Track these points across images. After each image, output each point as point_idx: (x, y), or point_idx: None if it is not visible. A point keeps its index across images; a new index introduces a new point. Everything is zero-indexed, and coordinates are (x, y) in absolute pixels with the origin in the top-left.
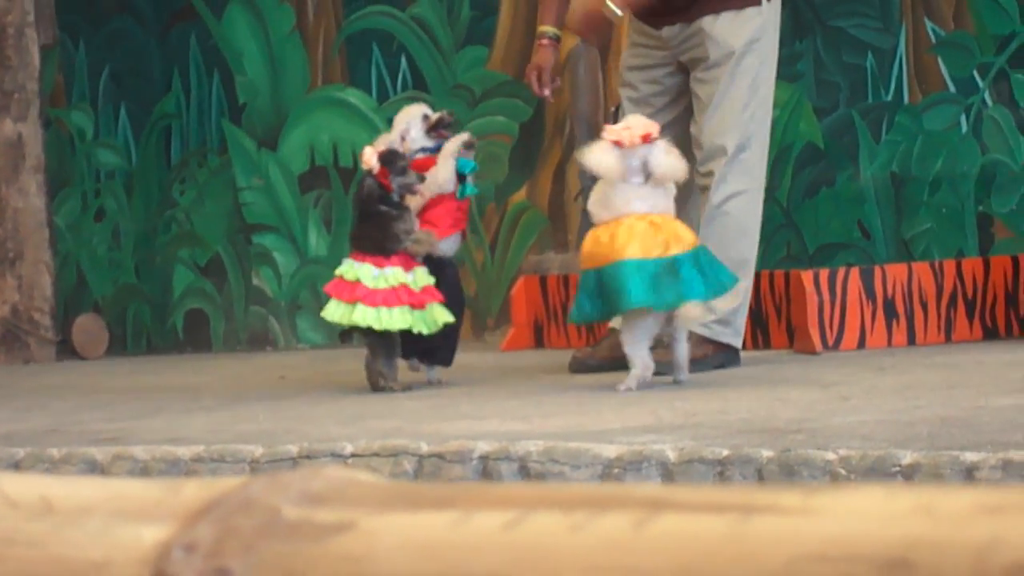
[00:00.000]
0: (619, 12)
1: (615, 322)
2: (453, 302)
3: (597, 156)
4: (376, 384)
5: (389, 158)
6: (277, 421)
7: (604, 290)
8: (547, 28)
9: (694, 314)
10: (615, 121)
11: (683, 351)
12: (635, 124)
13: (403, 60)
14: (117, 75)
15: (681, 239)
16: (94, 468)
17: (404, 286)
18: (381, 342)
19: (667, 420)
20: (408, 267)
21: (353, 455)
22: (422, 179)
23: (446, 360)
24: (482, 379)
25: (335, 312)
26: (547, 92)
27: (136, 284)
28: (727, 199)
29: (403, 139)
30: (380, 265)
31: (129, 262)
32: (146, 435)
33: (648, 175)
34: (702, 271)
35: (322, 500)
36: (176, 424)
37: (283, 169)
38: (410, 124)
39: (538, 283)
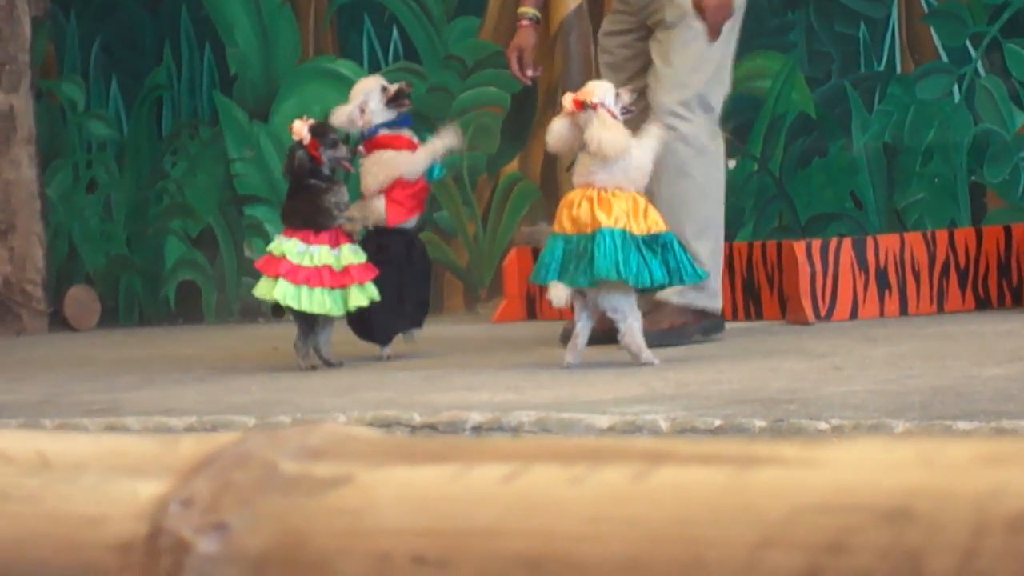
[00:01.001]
0: None
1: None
2: (423, 272)
3: (552, 125)
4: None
5: (320, 130)
6: (269, 392)
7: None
8: (527, 9)
9: (557, 294)
10: None
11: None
12: (585, 90)
13: (395, 31)
14: (108, 46)
15: (591, 224)
16: None
17: (328, 267)
18: (300, 318)
19: (659, 391)
20: (336, 243)
21: (308, 425)
22: (353, 153)
23: (379, 336)
24: (474, 350)
25: (261, 288)
26: (529, 74)
27: (128, 255)
28: (685, 161)
29: (362, 111)
30: (308, 241)
31: (121, 234)
32: (139, 406)
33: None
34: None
35: (320, 454)
36: (169, 395)
37: (275, 140)
38: (368, 96)
39: (530, 254)
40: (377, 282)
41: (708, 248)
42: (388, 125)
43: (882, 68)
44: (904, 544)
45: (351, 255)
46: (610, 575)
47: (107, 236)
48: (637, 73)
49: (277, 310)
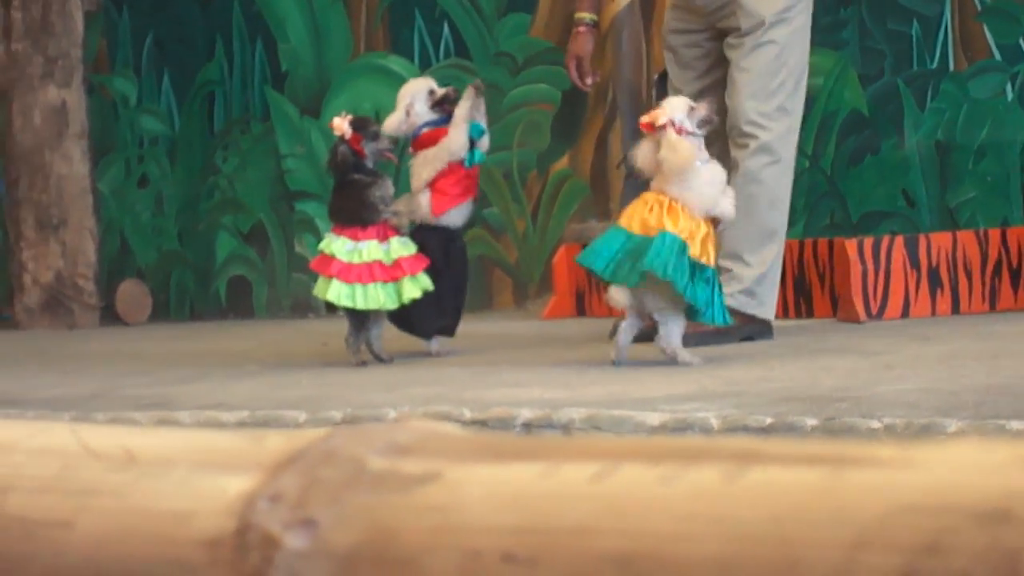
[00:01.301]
0: None
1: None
2: (460, 276)
3: (679, 151)
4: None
5: (361, 123)
6: (320, 387)
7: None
8: (584, 14)
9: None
10: (659, 88)
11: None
12: (654, 112)
13: (445, 27)
14: (160, 41)
15: (656, 228)
16: None
17: (378, 262)
18: (351, 314)
19: (710, 388)
20: (384, 237)
21: (396, 422)
22: (395, 144)
23: (421, 330)
24: (524, 347)
25: (318, 287)
26: (588, 82)
27: (179, 250)
28: (760, 168)
29: (407, 114)
30: (356, 237)
31: (172, 228)
32: (190, 400)
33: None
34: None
35: (407, 451)
36: (220, 390)
37: (325, 136)
38: (415, 98)
39: (579, 251)
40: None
41: (771, 255)
42: (431, 124)
43: (935, 66)
44: (1002, 545)
45: (401, 247)
46: (702, 575)
47: (159, 231)
48: (706, 71)
49: (332, 305)
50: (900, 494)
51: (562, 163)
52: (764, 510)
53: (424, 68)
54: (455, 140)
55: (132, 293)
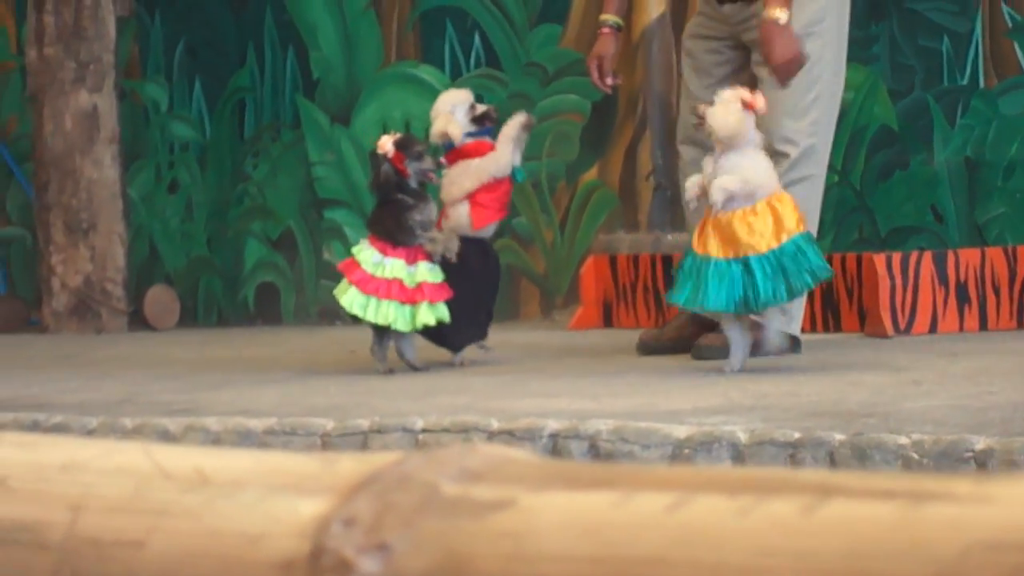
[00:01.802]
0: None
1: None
2: (494, 285)
3: (730, 115)
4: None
5: (405, 143)
6: (348, 395)
7: (784, 269)
8: (609, 16)
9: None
10: None
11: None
12: (732, 92)
13: (476, 37)
14: (192, 48)
15: (792, 218)
16: (166, 438)
17: (399, 281)
18: (374, 325)
19: (737, 401)
20: (412, 260)
21: (424, 430)
22: (440, 165)
23: (454, 344)
24: (551, 357)
25: (339, 288)
26: (608, 82)
27: (208, 256)
28: (791, 184)
29: (448, 123)
30: (384, 252)
31: (201, 234)
32: (218, 407)
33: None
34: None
35: (480, 477)
36: (247, 396)
37: (355, 145)
38: (456, 108)
39: (608, 263)
40: (456, 295)
41: None
42: (472, 135)
43: (965, 82)
44: None
45: (427, 273)
46: None
47: (188, 237)
48: (723, 79)
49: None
50: (979, 530)
51: (591, 174)
52: (841, 544)
53: (455, 78)
54: (503, 156)
55: (160, 298)
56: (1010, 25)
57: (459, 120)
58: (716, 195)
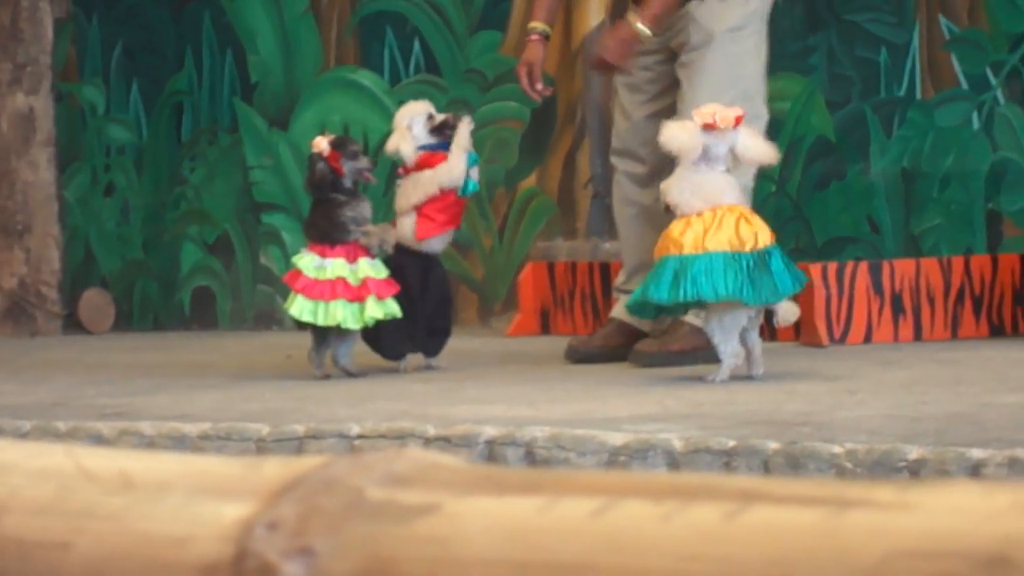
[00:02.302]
0: (647, 31)
1: (619, 312)
2: (444, 299)
3: (683, 136)
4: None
5: (340, 142)
6: (283, 400)
7: (688, 279)
8: (537, 24)
9: (791, 309)
10: None
11: (758, 345)
12: (717, 109)
13: (416, 43)
14: (130, 51)
15: (765, 232)
16: (100, 442)
17: (342, 279)
18: (314, 329)
19: (673, 409)
20: (352, 257)
21: (360, 436)
22: (375, 163)
23: (387, 352)
24: (488, 364)
25: (288, 302)
26: (539, 88)
27: (144, 260)
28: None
29: (405, 137)
30: (323, 255)
31: (137, 238)
32: (152, 411)
33: (734, 161)
34: (787, 265)
35: (406, 481)
36: (182, 401)
37: (293, 149)
38: (413, 121)
39: (546, 270)
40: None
41: None
42: (427, 148)
43: (902, 93)
44: None
45: (369, 268)
46: None
47: (123, 240)
48: (656, 95)
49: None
50: (900, 538)
51: (530, 181)
52: (764, 551)
53: (394, 83)
54: (455, 168)
55: (95, 302)
56: (947, 37)
57: (416, 133)
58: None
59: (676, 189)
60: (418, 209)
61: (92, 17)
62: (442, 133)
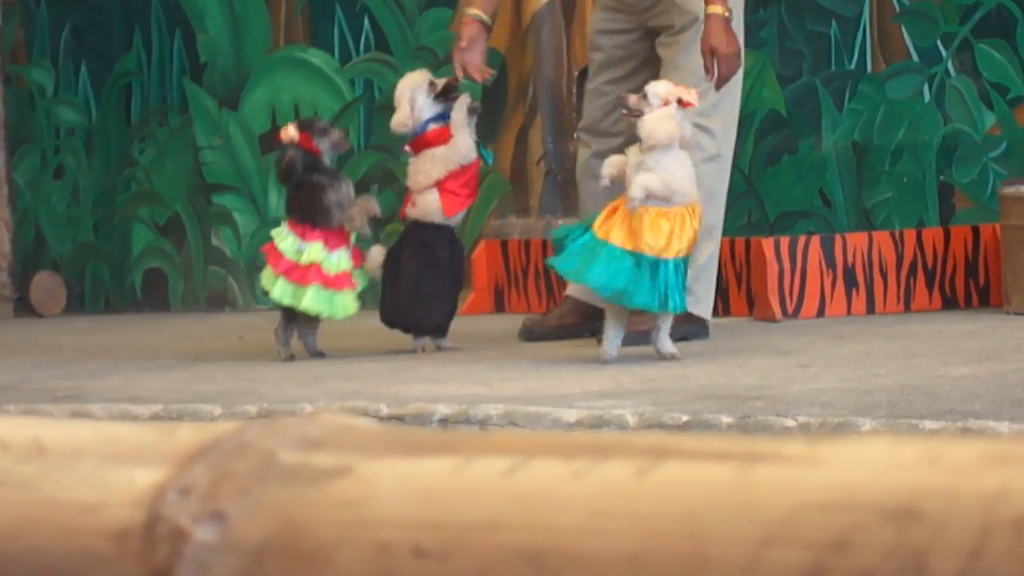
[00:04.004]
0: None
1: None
2: (459, 275)
3: (668, 125)
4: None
5: (306, 123)
6: (236, 382)
7: (659, 283)
8: (472, 10)
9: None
10: (580, 85)
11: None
12: (681, 89)
13: (366, 21)
14: (78, 32)
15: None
16: None
17: (316, 265)
18: (284, 311)
19: (627, 385)
20: (334, 246)
21: (309, 416)
22: (346, 131)
23: (421, 329)
24: None
25: (265, 279)
26: (484, 71)
27: (95, 242)
28: (697, 165)
29: (412, 109)
30: (304, 236)
31: (88, 220)
32: (103, 393)
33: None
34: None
35: (319, 444)
36: (134, 383)
37: (244, 129)
38: (415, 92)
39: (499, 248)
40: (424, 280)
41: (707, 252)
42: (436, 119)
43: (853, 67)
44: (909, 543)
45: (346, 263)
46: (613, 570)
47: (74, 222)
48: (631, 72)
49: (266, 295)
50: (808, 491)
51: None
52: (674, 506)
53: (344, 62)
54: (463, 143)
55: (46, 285)
56: (898, 9)
57: (420, 104)
58: (636, 191)
59: (657, 182)
60: (439, 185)
61: None
62: (447, 97)
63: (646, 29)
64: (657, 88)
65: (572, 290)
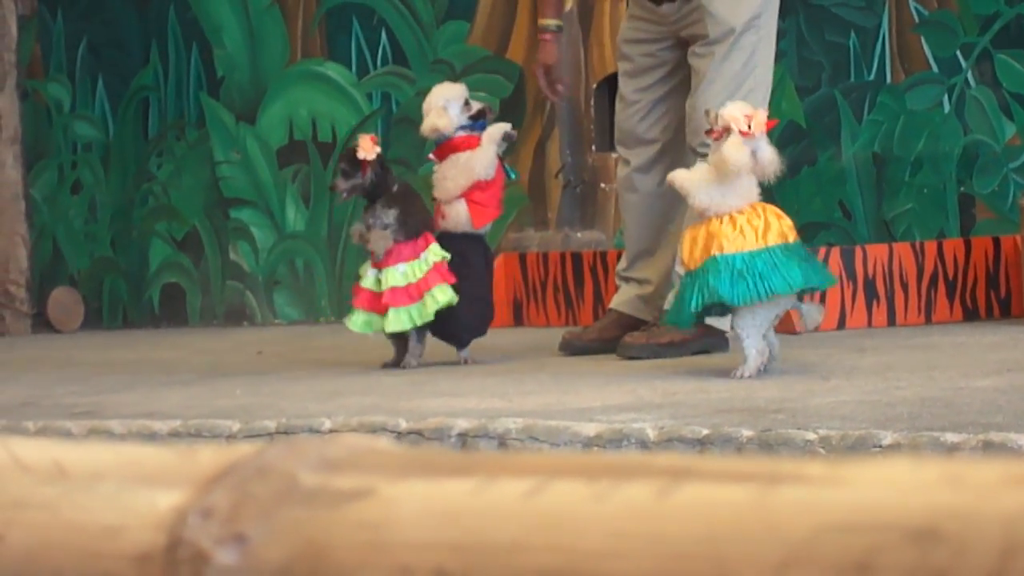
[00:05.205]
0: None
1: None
2: (490, 285)
3: (738, 155)
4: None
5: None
6: (254, 396)
7: (754, 275)
8: (549, 21)
9: (819, 310)
10: (598, 98)
11: (776, 341)
12: (741, 111)
13: (383, 34)
14: (95, 47)
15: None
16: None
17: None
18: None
19: (646, 399)
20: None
21: (331, 431)
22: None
23: (465, 340)
24: None
25: (387, 322)
26: (559, 89)
27: (112, 257)
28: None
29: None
30: (409, 258)
31: (105, 235)
32: (122, 409)
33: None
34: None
35: (340, 467)
36: (152, 398)
37: (261, 143)
38: (450, 103)
39: (517, 260)
40: (461, 291)
41: None
42: (463, 129)
43: (872, 78)
44: (931, 565)
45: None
46: None
47: (91, 238)
48: (658, 82)
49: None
50: (829, 512)
51: None
52: (695, 528)
53: (361, 76)
54: (485, 157)
55: (64, 300)
56: (917, 20)
57: (452, 115)
58: (696, 201)
59: (704, 192)
60: (467, 196)
61: (57, 13)
62: (475, 120)
63: (678, 39)
64: (735, 111)
65: (617, 302)
